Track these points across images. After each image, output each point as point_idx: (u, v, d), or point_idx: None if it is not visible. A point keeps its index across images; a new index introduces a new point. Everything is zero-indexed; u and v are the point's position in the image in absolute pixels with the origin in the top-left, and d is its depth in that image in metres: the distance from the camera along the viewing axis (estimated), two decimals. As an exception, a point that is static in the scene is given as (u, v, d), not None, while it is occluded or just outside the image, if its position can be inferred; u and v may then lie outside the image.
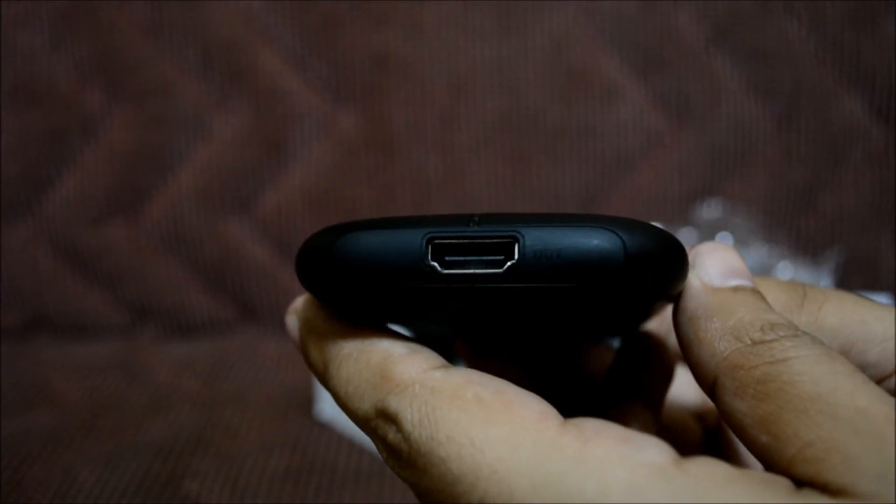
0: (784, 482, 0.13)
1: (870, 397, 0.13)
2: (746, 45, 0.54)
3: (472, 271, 0.14)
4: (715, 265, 0.16)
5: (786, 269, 0.50)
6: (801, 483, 0.13)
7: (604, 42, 0.54)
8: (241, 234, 0.55)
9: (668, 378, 0.20)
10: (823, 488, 0.12)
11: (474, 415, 0.14)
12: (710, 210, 0.53)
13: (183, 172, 0.54)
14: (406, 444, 0.14)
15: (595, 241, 0.14)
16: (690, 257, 0.16)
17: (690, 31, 0.54)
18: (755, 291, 0.16)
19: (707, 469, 0.13)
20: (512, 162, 0.54)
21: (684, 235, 0.50)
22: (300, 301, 0.19)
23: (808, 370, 0.14)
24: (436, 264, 0.14)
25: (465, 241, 0.15)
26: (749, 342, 0.15)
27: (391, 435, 0.15)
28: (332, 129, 0.54)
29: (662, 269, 0.15)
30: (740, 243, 0.51)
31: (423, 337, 0.17)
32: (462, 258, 0.15)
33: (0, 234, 0.54)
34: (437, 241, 0.15)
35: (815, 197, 0.55)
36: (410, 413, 0.14)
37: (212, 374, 0.50)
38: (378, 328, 0.17)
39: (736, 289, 0.16)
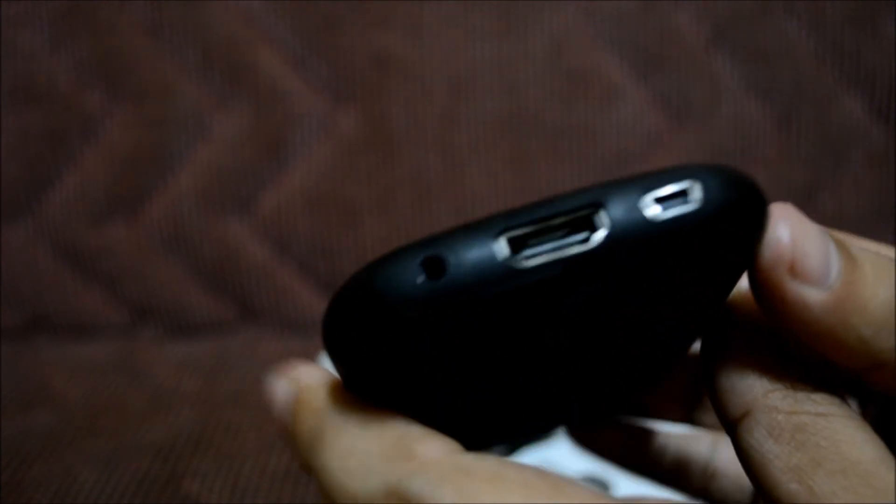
0: None
1: None
2: (746, 45, 0.54)
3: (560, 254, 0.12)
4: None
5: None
6: None
7: (604, 42, 0.54)
8: (241, 234, 0.55)
9: None
10: None
11: (523, 497, 0.13)
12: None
13: (183, 172, 0.54)
14: None
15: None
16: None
17: (690, 31, 0.54)
18: None
19: None
20: (512, 162, 0.54)
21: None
22: (300, 367, 0.16)
23: (849, 433, 0.14)
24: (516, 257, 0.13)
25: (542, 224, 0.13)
26: (790, 386, 0.14)
27: None
28: (332, 129, 0.54)
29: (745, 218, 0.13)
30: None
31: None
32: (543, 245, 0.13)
33: (0, 234, 0.54)
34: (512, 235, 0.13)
35: (815, 197, 0.55)
36: (443, 495, 0.13)
37: (212, 374, 0.50)
38: (389, 408, 0.15)
39: None
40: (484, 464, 0.13)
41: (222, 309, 0.56)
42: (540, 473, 0.13)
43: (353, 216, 0.54)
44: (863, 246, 0.18)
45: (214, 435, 0.42)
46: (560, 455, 0.40)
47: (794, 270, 0.14)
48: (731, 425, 0.15)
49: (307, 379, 0.16)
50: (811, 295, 0.14)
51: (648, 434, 0.23)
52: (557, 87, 0.54)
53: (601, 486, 0.38)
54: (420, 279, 0.12)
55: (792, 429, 0.14)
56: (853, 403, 0.19)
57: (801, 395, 0.14)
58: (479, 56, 0.54)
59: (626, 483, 0.37)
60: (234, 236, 0.55)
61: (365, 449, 0.14)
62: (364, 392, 0.15)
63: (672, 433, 0.23)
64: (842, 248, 0.14)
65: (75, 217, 0.54)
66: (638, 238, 0.12)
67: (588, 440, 0.24)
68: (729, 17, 0.53)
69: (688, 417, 0.23)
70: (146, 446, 0.41)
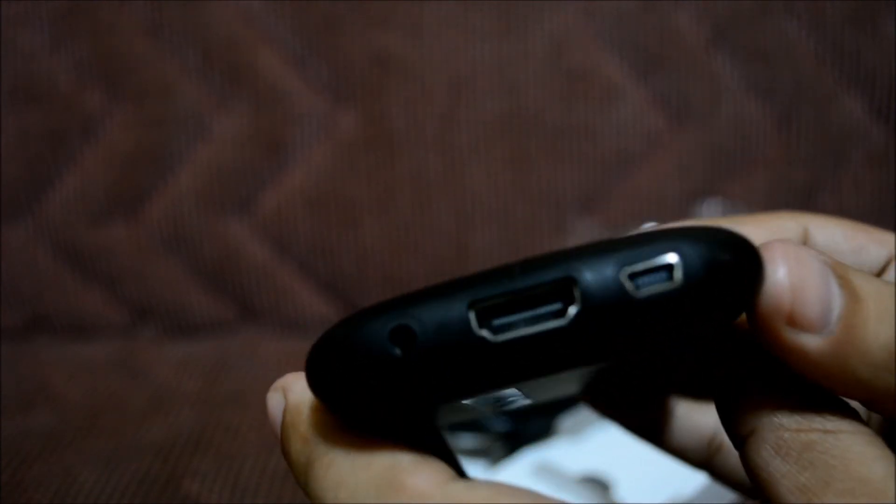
0: None
1: None
2: (746, 45, 0.54)
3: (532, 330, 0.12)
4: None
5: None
6: None
7: (604, 42, 0.54)
8: (241, 234, 0.55)
9: None
10: None
11: None
12: (710, 210, 0.53)
13: (183, 172, 0.54)
14: None
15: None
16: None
17: (690, 31, 0.54)
18: None
19: None
20: (512, 162, 0.54)
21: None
22: (290, 380, 0.16)
23: (859, 450, 0.13)
24: (486, 333, 0.12)
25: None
26: (797, 402, 0.14)
27: None
28: (332, 129, 0.54)
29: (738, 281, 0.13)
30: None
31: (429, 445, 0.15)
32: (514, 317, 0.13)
33: (0, 234, 0.54)
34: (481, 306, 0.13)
35: (815, 197, 0.55)
36: None
37: (212, 374, 0.50)
38: (373, 430, 0.15)
39: None
40: (475, 494, 0.13)
41: (222, 309, 0.56)
42: (534, 501, 0.13)
43: (353, 216, 0.54)
44: (883, 239, 0.17)
45: (214, 435, 0.42)
46: (560, 455, 0.40)
47: (792, 321, 0.13)
48: (739, 442, 0.15)
49: (293, 397, 0.16)
50: (809, 342, 0.13)
51: (657, 399, 0.23)
52: (557, 87, 0.54)
53: (602, 486, 0.38)
54: (391, 348, 0.13)
55: (799, 447, 0.13)
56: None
57: (809, 412, 0.14)
58: (479, 56, 0.54)
59: (626, 483, 0.37)
60: (234, 236, 0.55)
61: (354, 481, 0.14)
62: (350, 421, 0.15)
63: (681, 401, 0.23)
64: (845, 284, 0.14)
65: (75, 217, 0.54)
66: (614, 314, 0.12)
67: (596, 402, 0.24)
68: (729, 17, 0.53)
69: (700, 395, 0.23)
70: (146, 446, 0.41)
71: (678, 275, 0.12)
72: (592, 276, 0.12)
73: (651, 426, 0.23)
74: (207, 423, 0.44)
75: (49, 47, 0.53)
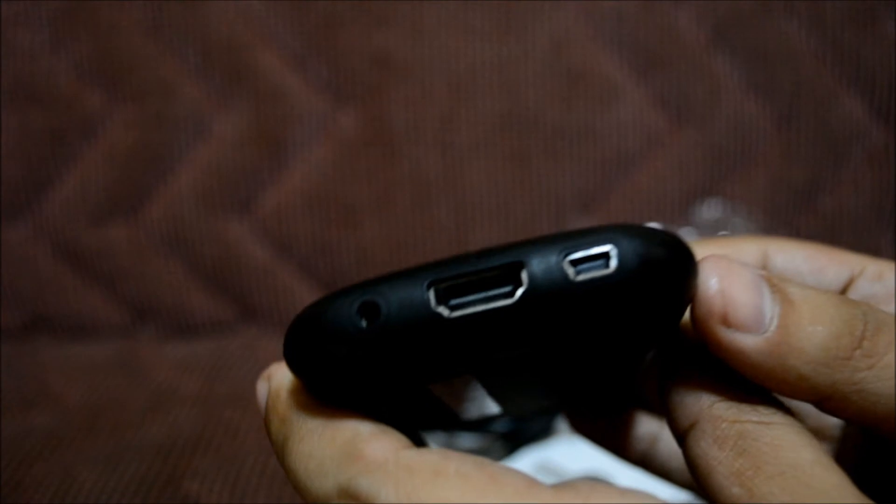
0: None
1: (841, 476, 0.14)
2: (746, 45, 0.54)
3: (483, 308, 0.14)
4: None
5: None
6: None
7: (604, 42, 0.54)
8: (241, 234, 0.55)
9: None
10: None
11: (461, 490, 0.14)
12: (710, 210, 0.53)
13: (183, 172, 0.54)
14: None
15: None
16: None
17: (690, 31, 0.54)
18: None
19: None
20: (512, 162, 0.54)
21: (684, 235, 0.50)
22: (274, 368, 0.18)
23: (789, 438, 0.14)
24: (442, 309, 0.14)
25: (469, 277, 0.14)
26: (735, 398, 0.15)
27: None
28: (332, 129, 0.54)
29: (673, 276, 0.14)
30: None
31: (392, 418, 0.16)
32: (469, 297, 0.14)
33: (0, 234, 0.54)
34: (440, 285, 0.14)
35: (815, 197, 0.55)
36: (386, 493, 0.14)
37: (212, 374, 0.50)
38: (345, 407, 0.16)
39: None
40: (425, 459, 0.14)
41: (222, 309, 0.56)
42: (479, 465, 0.14)
43: (353, 216, 0.54)
44: (844, 260, 0.18)
45: (214, 435, 0.43)
46: (560, 455, 0.40)
47: (726, 321, 0.15)
48: (681, 437, 0.16)
49: (275, 382, 0.17)
50: (746, 341, 0.15)
51: (622, 413, 0.24)
52: (557, 87, 0.54)
53: None
54: (358, 321, 0.14)
55: (735, 436, 0.15)
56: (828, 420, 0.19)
57: (745, 406, 0.15)
58: (479, 56, 0.54)
59: (626, 482, 0.37)
60: (234, 236, 0.55)
61: (321, 452, 0.15)
62: (323, 395, 0.16)
63: (643, 414, 0.24)
64: (778, 291, 0.15)
65: (75, 217, 0.54)
66: (554, 296, 0.14)
67: (579, 426, 0.25)
68: (729, 17, 0.54)
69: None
70: (146, 446, 0.41)
71: (613, 263, 0.14)
72: (538, 261, 0.14)
73: (615, 439, 0.24)
74: (207, 423, 0.44)
75: (49, 47, 0.53)
